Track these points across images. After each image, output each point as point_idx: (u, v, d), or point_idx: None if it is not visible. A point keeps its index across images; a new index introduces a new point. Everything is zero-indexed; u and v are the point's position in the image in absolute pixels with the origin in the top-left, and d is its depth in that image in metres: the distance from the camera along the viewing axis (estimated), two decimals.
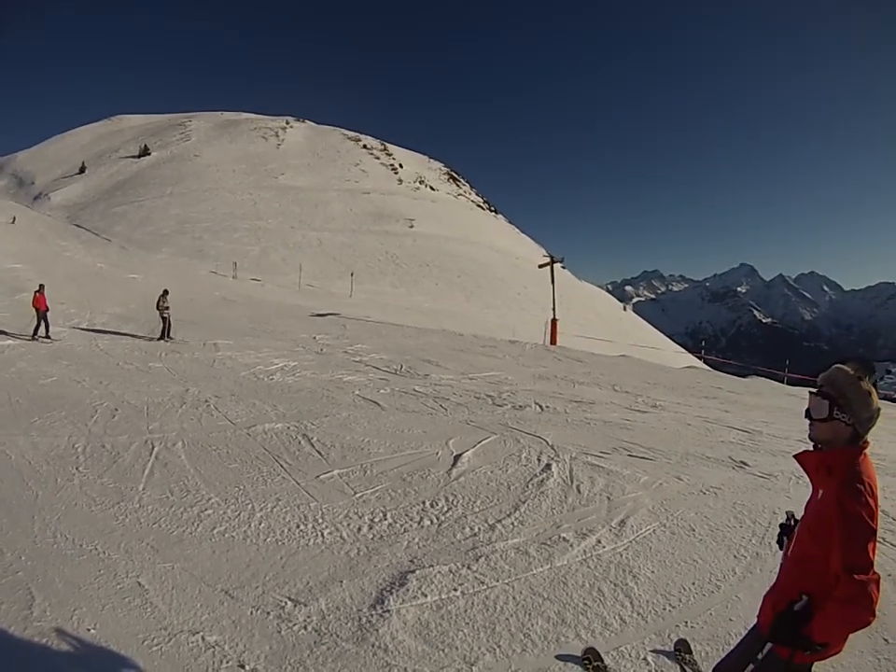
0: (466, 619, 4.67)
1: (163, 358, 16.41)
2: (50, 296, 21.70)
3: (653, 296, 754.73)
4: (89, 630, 4.54)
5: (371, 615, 4.72)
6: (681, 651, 4.14)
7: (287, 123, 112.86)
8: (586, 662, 4.05)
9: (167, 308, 20.49)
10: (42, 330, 19.18)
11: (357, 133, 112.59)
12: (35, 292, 19.87)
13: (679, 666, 4.05)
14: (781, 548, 3.08)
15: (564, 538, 5.86)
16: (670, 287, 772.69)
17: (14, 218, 52.01)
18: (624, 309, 78.78)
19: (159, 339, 19.94)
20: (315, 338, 21.25)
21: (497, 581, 5.16)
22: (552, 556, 5.51)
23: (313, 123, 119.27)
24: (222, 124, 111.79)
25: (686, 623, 4.62)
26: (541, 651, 4.27)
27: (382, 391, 12.94)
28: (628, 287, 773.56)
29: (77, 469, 8.05)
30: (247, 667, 4.15)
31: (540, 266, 31.41)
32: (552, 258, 30.22)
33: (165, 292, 21.11)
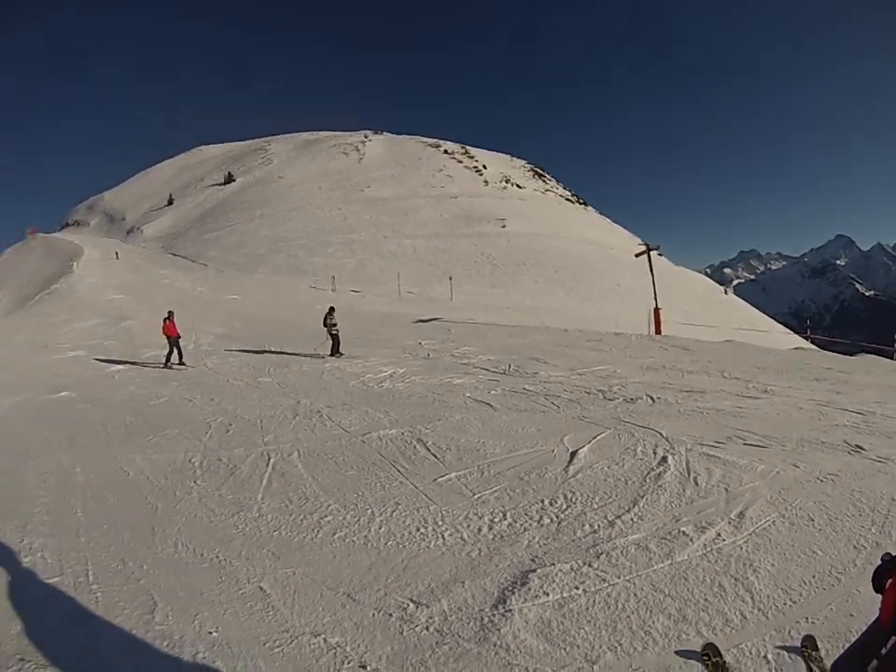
0: (587, 617, 4.71)
1: (272, 373, 16.73)
2: (153, 322, 22.39)
3: (753, 276, 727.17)
4: (210, 633, 4.80)
5: (494, 615, 4.82)
6: (808, 647, 4.07)
7: (366, 137, 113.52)
8: (705, 658, 4.04)
9: (335, 325, 20.24)
10: (175, 357, 19.08)
11: (437, 140, 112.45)
12: (165, 320, 19.56)
13: (804, 663, 3.99)
14: (877, 590, 2.87)
15: (683, 532, 5.84)
16: (769, 265, 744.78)
17: (117, 254, 53.90)
18: (725, 292, 76.46)
19: (330, 355, 19.68)
20: (420, 343, 21.31)
21: (619, 577, 5.19)
22: (672, 551, 5.51)
23: (390, 134, 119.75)
24: (301, 144, 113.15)
25: (807, 618, 4.56)
26: (662, 649, 4.29)
27: (492, 392, 12.97)
28: (727, 270, 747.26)
29: (194, 482, 8.46)
30: (369, 668, 4.31)
31: (637, 255, 30.87)
32: (647, 246, 29.68)
33: (332, 309, 20.91)
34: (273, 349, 21.17)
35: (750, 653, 4.20)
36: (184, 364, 19.01)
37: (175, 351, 19.15)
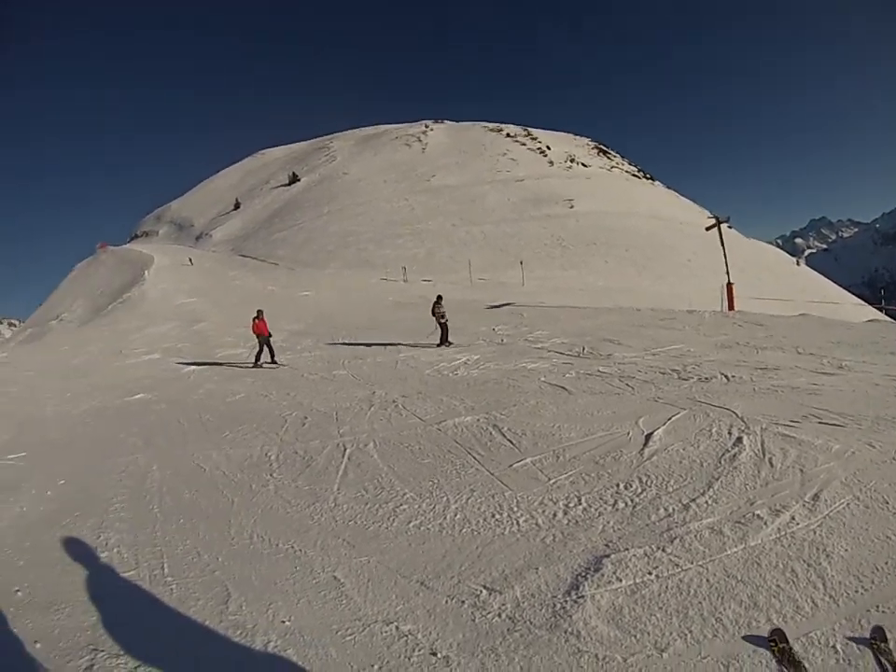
0: (659, 603, 4.68)
1: (347, 366, 16.89)
2: (226, 323, 22.75)
3: (825, 245, 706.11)
4: (283, 622, 4.93)
5: (566, 601, 4.82)
6: (877, 638, 3.98)
7: (427, 127, 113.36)
8: (772, 644, 3.99)
9: (443, 314, 19.40)
10: (266, 356, 18.53)
11: (498, 124, 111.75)
12: (254, 319, 18.89)
13: (872, 654, 3.90)
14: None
15: (758, 515, 5.73)
16: (840, 233, 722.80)
17: (191, 260, 54.88)
18: (798, 263, 74.95)
19: (438, 345, 18.93)
20: (494, 329, 21.25)
21: (692, 563, 5.13)
22: (746, 536, 5.42)
23: (451, 122, 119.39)
24: (363, 139, 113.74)
25: (877, 606, 4.43)
26: (731, 637, 4.23)
27: (567, 375, 12.87)
28: (798, 240, 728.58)
29: (271, 475, 8.64)
30: (439, 655, 4.35)
31: (707, 229, 30.44)
32: (717, 218, 29.22)
33: (439, 298, 20.02)
34: (346, 342, 21.34)
35: (819, 643, 4.12)
36: (276, 363, 18.44)
37: (266, 350, 18.56)
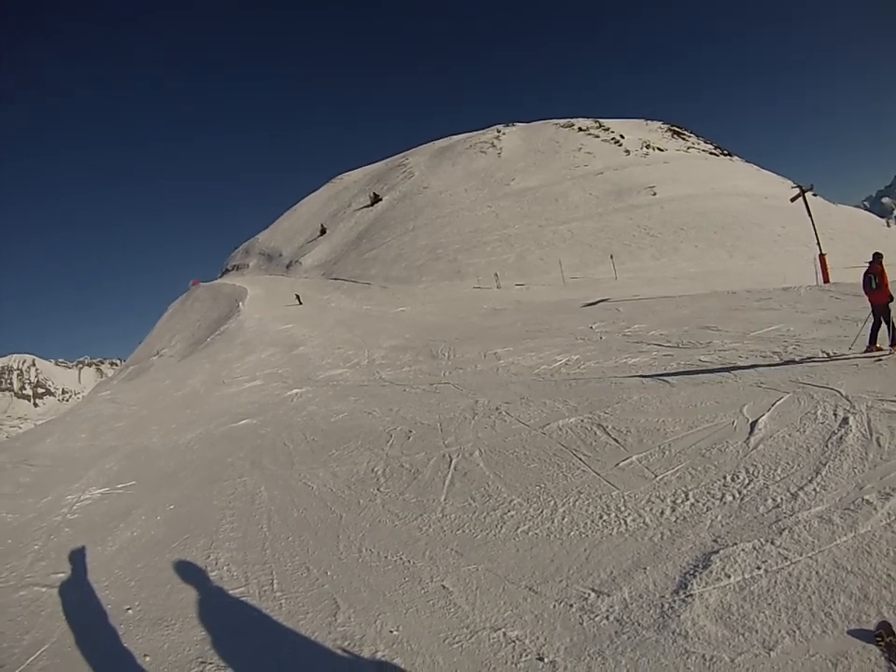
0: (768, 599, 4.69)
1: (448, 376, 16.91)
2: (325, 344, 23.32)
3: None
4: (391, 632, 5.18)
5: (674, 601, 4.90)
6: (883, 633, 3.94)
7: (499, 132, 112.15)
8: (878, 638, 3.93)
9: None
10: (883, 337, 11.24)
11: (569, 119, 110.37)
12: (871, 265, 11.96)
13: (879, 650, 3.86)
14: None
15: (867, 500, 5.66)
16: None
17: (298, 298, 52.49)
18: (888, 224, 72.50)
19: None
20: (591, 327, 20.80)
21: (801, 555, 5.12)
22: (855, 523, 5.35)
23: (522, 123, 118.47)
24: (438, 152, 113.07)
25: None
26: (841, 633, 4.19)
27: (668, 367, 12.81)
28: (885, 200, 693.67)
29: (378, 489, 8.95)
30: (546, 660, 4.51)
31: (792, 200, 29.87)
32: (800, 188, 28.69)
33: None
34: (446, 353, 21.05)
35: None
36: None
37: (885, 324, 11.24)
